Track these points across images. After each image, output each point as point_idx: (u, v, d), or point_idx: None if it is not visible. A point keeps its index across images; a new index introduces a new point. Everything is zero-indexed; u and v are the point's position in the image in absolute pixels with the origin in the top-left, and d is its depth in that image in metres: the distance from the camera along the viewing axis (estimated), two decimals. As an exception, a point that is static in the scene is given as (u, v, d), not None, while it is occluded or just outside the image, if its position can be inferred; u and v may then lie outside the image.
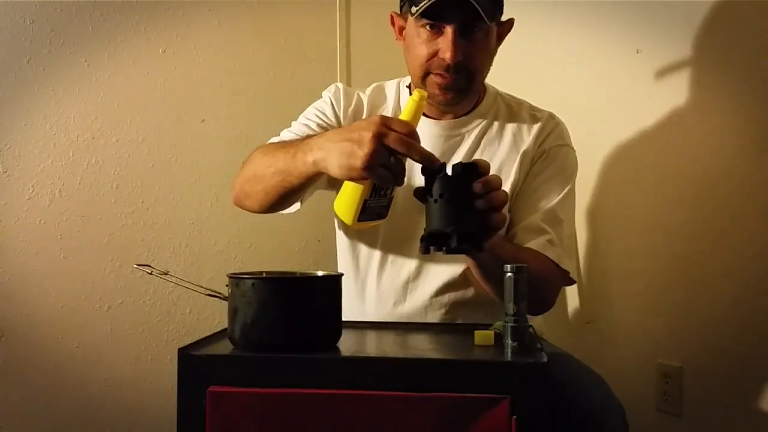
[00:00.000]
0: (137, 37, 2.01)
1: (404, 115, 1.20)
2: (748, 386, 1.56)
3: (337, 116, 1.53)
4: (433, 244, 1.14)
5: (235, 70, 2.12)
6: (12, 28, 1.89)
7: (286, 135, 1.51)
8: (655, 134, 1.74)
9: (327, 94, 1.57)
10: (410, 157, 1.14)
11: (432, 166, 1.15)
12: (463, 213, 1.13)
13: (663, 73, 1.71)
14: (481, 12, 1.33)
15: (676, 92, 1.68)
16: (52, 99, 1.93)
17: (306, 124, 1.51)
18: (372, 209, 1.24)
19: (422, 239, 1.15)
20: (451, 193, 1.13)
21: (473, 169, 1.15)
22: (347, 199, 1.24)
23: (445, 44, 1.37)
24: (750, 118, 1.56)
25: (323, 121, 1.52)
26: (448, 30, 1.37)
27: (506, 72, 1.71)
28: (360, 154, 1.11)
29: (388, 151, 1.12)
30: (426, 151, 1.14)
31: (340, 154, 1.14)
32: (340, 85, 1.57)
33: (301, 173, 1.25)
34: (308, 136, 1.31)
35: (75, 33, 1.95)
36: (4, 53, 1.89)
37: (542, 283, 1.38)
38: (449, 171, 1.16)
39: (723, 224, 1.60)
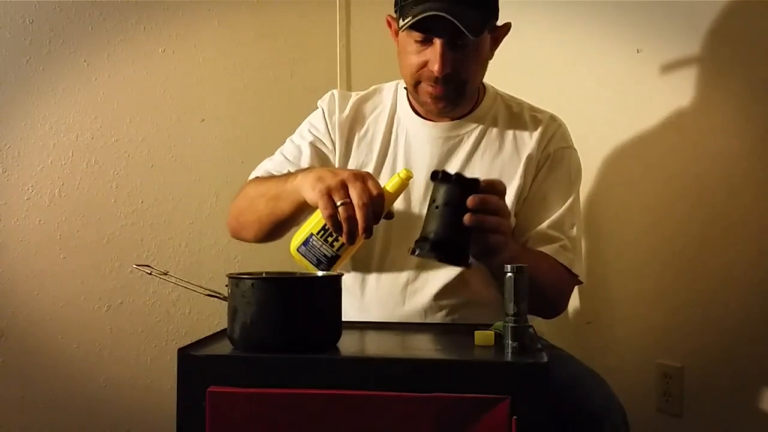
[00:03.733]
0: (137, 37, 2.01)
1: (387, 184, 1.26)
2: (748, 386, 1.56)
3: (327, 127, 1.53)
4: (415, 247, 1.19)
5: (235, 70, 2.12)
6: (12, 28, 1.89)
7: (277, 157, 1.55)
8: (656, 134, 1.74)
9: (321, 103, 1.57)
10: (357, 213, 1.18)
11: (435, 172, 1.18)
12: (447, 223, 1.17)
13: (664, 72, 1.71)
14: (465, 31, 1.32)
15: (676, 92, 1.68)
16: (52, 99, 1.93)
17: (299, 145, 1.54)
18: (314, 249, 1.28)
19: (416, 240, 1.20)
20: (440, 201, 1.17)
21: (470, 184, 1.18)
22: (302, 225, 1.31)
23: (433, 56, 1.37)
24: (751, 118, 1.56)
25: (314, 135, 1.54)
26: (437, 42, 1.36)
27: (506, 72, 1.71)
28: (327, 180, 1.21)
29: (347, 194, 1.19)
30: (366, 226, 1.18)
31: (314, 178, 1.23)
32: (336, 92, 1.57)
33: (289, 198, 1.33)
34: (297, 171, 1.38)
35: (74, 33, 1.95)
36: (4, 53, 1.89)
37: (558, 292, 1.45)
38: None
39: (724, 224, 1.60)
